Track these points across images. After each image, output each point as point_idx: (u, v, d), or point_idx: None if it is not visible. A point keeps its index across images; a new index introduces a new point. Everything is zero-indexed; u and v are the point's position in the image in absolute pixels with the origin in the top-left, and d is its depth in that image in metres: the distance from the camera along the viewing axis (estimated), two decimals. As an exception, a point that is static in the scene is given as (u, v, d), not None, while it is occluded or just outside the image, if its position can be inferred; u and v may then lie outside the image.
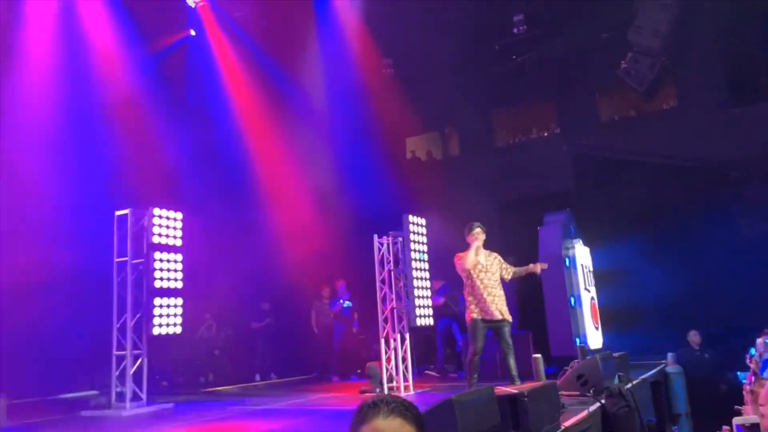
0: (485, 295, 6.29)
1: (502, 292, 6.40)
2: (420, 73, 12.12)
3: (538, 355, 6.84)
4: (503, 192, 11.50)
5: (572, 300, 8.10)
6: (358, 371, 10.40)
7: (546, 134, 12.44)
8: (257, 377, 11.20)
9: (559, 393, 5.06)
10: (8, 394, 6.38)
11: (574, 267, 8.28)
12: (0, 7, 9.08)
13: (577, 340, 7.79)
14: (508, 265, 6.60)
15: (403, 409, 1.63)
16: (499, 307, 6.30)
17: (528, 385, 4.76)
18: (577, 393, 5.96)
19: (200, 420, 6.70)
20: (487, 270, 6.40)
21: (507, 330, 6.30)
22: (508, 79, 12.01)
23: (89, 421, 7.17)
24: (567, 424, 4.76)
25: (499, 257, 6.59)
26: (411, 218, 7.96)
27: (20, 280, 8.16)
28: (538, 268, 6.53)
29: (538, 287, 8.13)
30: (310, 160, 11.34)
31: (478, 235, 6.43)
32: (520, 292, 9.17)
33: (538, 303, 8.17)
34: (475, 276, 6.36)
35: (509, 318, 6.35)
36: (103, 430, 6.54)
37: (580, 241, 8.48)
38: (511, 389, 4.35)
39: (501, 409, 4.14)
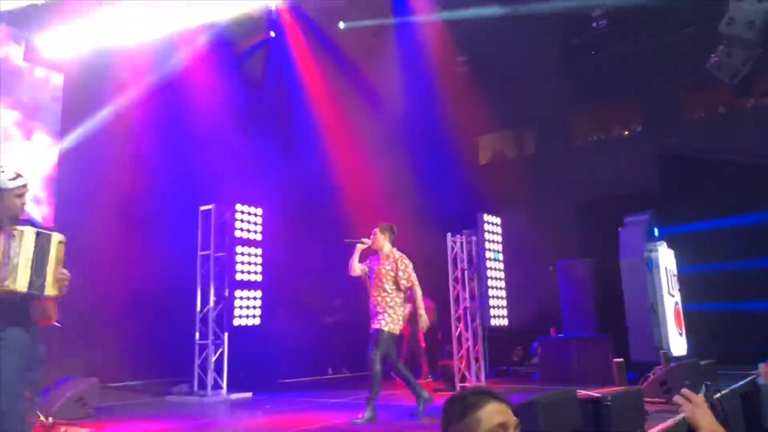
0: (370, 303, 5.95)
1: (380, 299, 5.80)
2: (494, 70, 11.94)
3: (620, 360, 6.62)
4: (581, 192, 11.19)
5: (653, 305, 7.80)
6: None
7: (627, 133, 12.01)
8: (329, 371, 11.42)
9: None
10: (100, 378, 6.78)
11: (657, 270, 7.96)
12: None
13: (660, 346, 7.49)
14: (410, 274, 5.81)
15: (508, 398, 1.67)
16: (374, 315, 5.84)
17: (611, 390, 4.64)
18: (661, 401, 5.74)
19: (277, 410, 6.89)
20: (376, 275, 5.91)
21: (372, 341, 5.78)
22: (586, 75, 11.66)
23: (173, 406, 7.54)
24: (651, 432, 4.60)
25: (397, 261, 5.84)
26: (486, 217, 7.89)
27: (112, 272, 8.65)
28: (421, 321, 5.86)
29: (618, 290, 7.87)
30: (385, 158, 11.42)
31: (373, 239, 6.00)
32: (598, 294, 8.90)
33: (617, 306, 7.91)
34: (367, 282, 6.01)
35: (379, 326, 5.73)
36: (186, 414, 6.84)
37: (664, 244, 8.13)
38: (593, 393, 4.24)
39: (583, 413, 4.06)
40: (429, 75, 11.70)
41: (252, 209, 8.75)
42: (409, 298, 6.11)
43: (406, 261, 5.86)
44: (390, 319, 5.73)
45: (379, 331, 5.70)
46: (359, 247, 6.02)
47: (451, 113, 11.69)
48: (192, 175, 9.68)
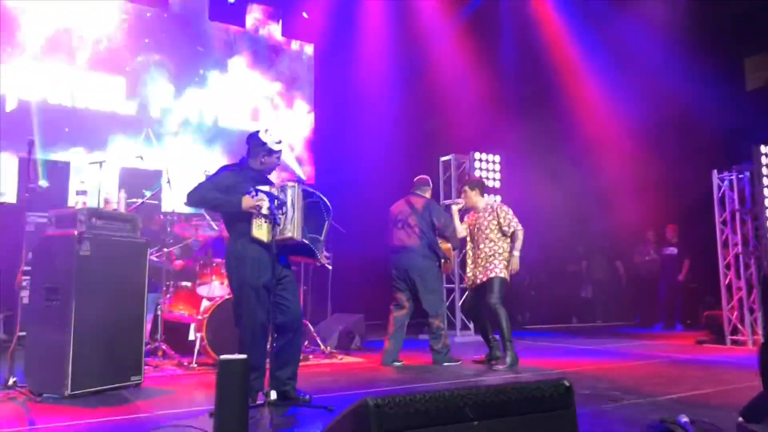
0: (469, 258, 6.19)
1: (488, 250, 5.91)
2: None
3: None
4: None
5: None
6: (688, 321, 9.57)
7: None
8: (574, 320, 11.17)
9: None
10: (366, 316, 7.54)
11: None
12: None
13: None
14: (510, 219, 5.90)
15: None
16: (478, 268, 6.00)
17: None
18: None
19: (522, 354, 6.93)
20: (479, 228, 6.00)
21: (488, 290, 5.80)
22: None
23: (424, 342, 8.05)
24: None
25: (496, 210, 5.96)
26: (764, 149, 6.81)
27: (360, 222, 9.43)
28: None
29: None
30: (634, 93, 10.47)
31: (465, 198, 6.14)
32: None
33: None
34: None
35: (494, 274, 5.80)
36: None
37: None
38: None
39: None
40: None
41: (490, 157, 8.83)
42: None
43: (505, 208, 6.01)
44: (502, 266, 5.85)
45: (495, 278, 5.81)
46: (454, 209, 6.21)
47: (711, 36, 10.23)
48: (432, 127, 10.08)
